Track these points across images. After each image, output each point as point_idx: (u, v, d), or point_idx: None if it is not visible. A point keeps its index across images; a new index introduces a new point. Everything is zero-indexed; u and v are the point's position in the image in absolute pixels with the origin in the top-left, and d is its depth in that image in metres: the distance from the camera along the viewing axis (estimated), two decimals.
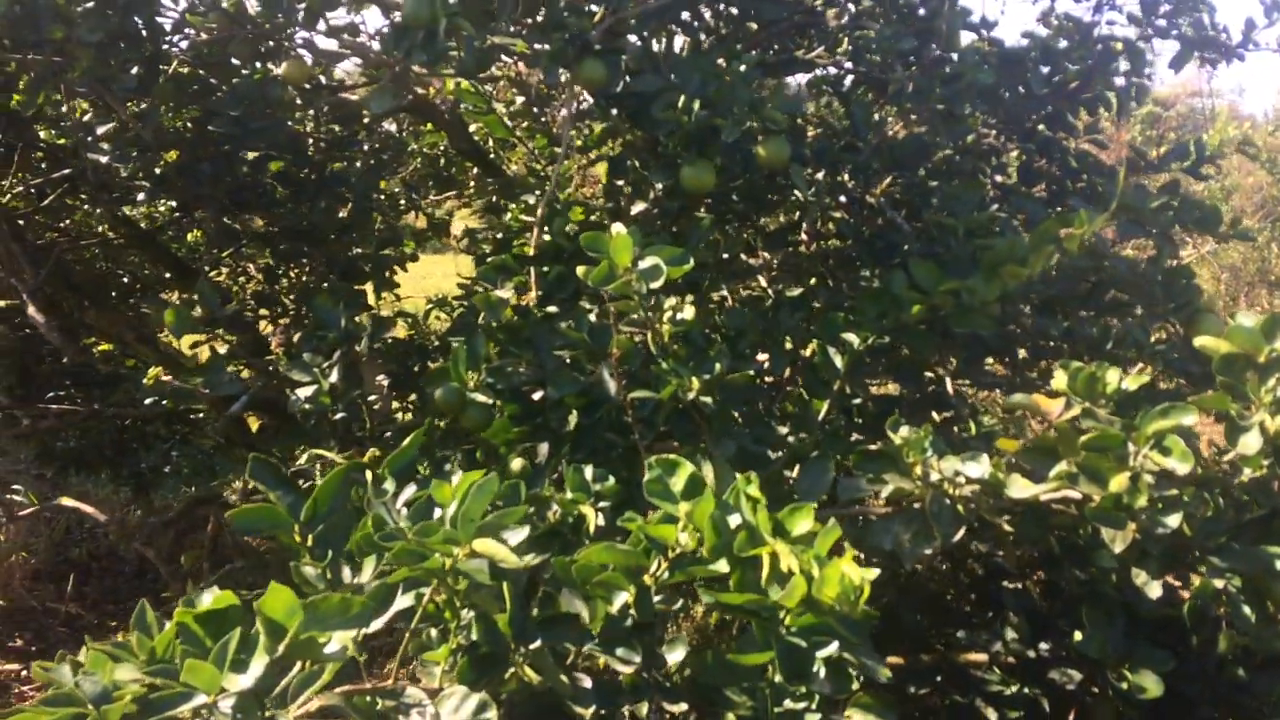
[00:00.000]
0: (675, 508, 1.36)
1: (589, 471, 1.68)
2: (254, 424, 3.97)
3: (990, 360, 2.74)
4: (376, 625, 1.27)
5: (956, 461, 1.66)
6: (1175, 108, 14.79)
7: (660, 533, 1.36)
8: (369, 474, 1.39)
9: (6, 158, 3.62)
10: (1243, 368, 1.58)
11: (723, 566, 1.29)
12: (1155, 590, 1.72)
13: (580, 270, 1.71)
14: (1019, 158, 3.35)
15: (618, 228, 1.70)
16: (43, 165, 3.86)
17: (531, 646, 1.31)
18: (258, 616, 0.98)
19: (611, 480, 1.67)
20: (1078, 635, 1.98)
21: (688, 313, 1.76)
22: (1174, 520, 1.56)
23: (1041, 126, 3.20)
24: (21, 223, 3.64)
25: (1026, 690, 2.37)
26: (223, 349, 2.82)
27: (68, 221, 4.43)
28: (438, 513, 1.30)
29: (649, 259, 1.65)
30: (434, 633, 1.39)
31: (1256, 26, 3.44)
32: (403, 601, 1.32)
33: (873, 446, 1.75)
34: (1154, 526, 1.57)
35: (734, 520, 1.32)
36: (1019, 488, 1.69)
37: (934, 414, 2.60)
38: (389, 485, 1.41)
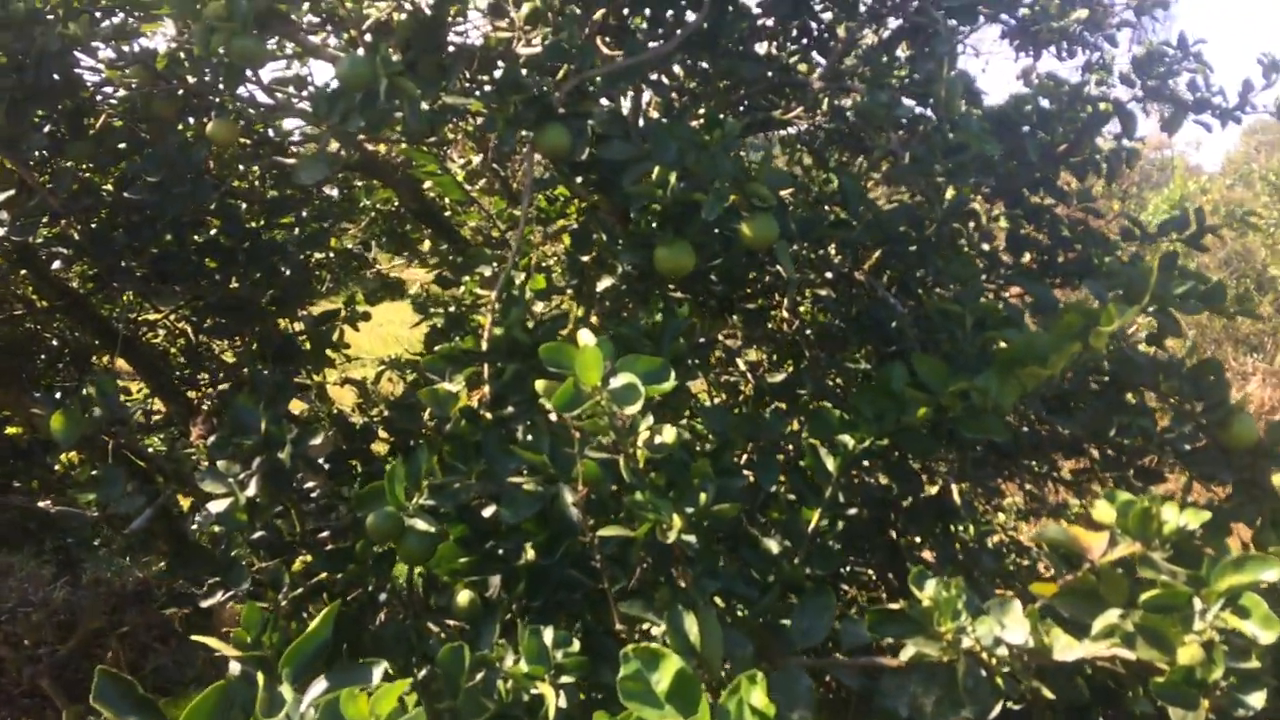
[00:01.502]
0: (659, 715, 1.06)
1: (549, 635, 1.38)
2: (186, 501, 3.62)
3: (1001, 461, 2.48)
4: None
5: (994, 624, 1.38)
6: (1140, 162, 14.86)
7: None
8: (261, 676, 1.09)
9: None
10: None
11: None
12: None
13: (539, 386, 1.42)
14: (1004, 224, 3.14)
15: (584, 336, 1.41)
16: None
17: None
18: None
19: (576, 647, 1.37)
20: None
21: (668, 435, 1.48)
22: (1257, 699, 1.29)
23: (1027, 192, 3.00)
24: None
25: None
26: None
27: None
28: None
29: (622, 376, 1.37)
30: None
31: (1254, 88, 3.27)
32: None
33: (893, 606, 1.47)
34: (1233, 706, 1.30)
35: None
36: (1064, 649, 1.41)
37: (937, 523, 2.33)
38: (286, 690, 1.10)
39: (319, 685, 1.12)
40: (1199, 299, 2.46)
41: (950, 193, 2.65)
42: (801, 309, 3.10)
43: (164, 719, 1.03)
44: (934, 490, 2.39)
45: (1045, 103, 3.09)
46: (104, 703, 1.02)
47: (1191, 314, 2.24)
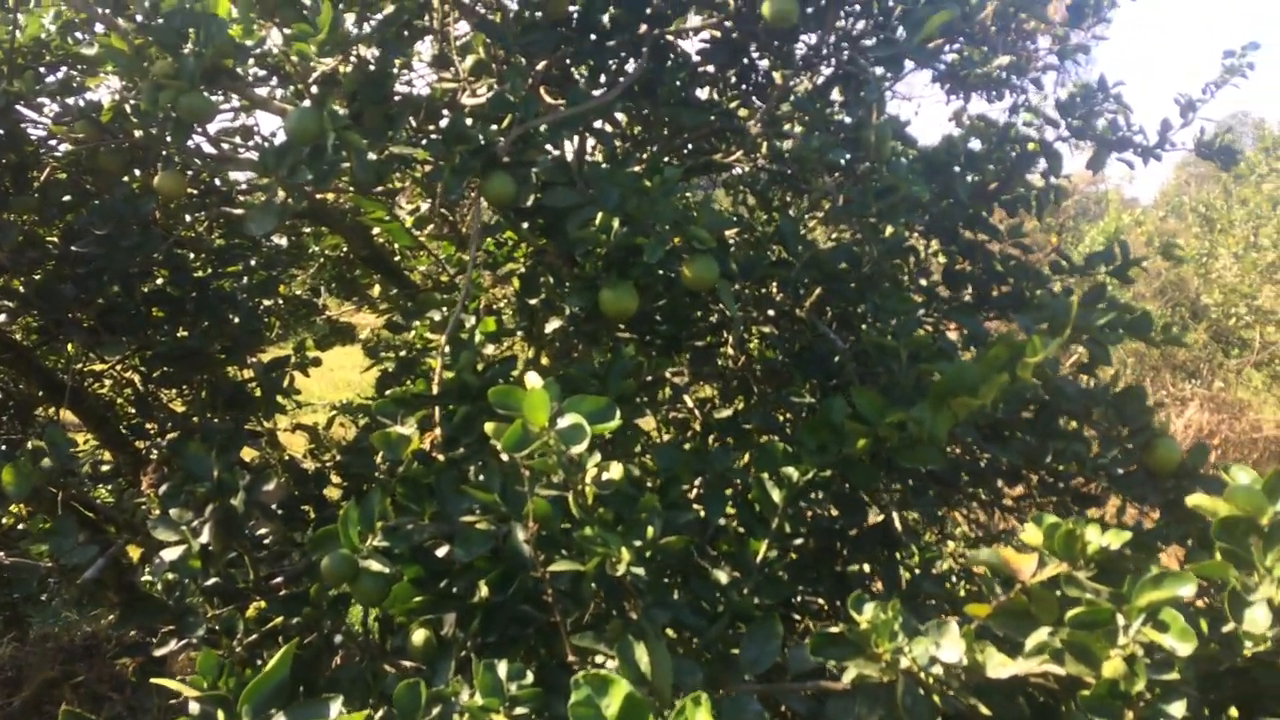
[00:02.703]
0: None
1: (503, 668, 1.41)
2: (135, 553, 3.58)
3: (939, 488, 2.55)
4: None
5: (929, 644, 1.44)
6: (1072, 196, 15.29)
7: None
8: (221, 715, 1.12)
9: None
10: (1244, 532, 1.41)
11: None
12: None
13: (489, 428, 1.47)
14: (940, 261, 3.25)
15: (531, 379, 1.46)
16: None
17: None
18: None
19: (529, 679, 1.41)
20: None
21: (614, 472, 1.52)
22: (1178, 709, 1.36)
23: (963, 228, 3.11)
24: None
25: None
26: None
27: None
28: None
29: (569, 417, 1.42)
30: None
31: (1172, 127, 3.43)
32: None
33: (834, 629, 1.52)
34: (1155, 716, 1.37)
35: None
36: (997, 666, 1.47)
37: (881, 550, 2.39)
38: None
39: None
40: (1127, 329, 2.58)
41: (889, 231, 2.75)
42: (750, 345, 3.18)
43: None
44: (879, 519, 2.45)
45: (976, 143, 3.22)
46: None
47: (1115, 343, 2.35)
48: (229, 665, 1.47)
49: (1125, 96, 3.37)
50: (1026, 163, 3.27)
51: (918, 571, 2.34)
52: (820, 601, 2.71)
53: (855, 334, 2.72)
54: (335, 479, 2.94)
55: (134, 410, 3.34)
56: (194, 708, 1.24)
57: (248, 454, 3.02)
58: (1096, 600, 1.43)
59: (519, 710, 1.39)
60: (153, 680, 1.34)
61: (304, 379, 4.56)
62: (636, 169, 2.37)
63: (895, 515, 2.38)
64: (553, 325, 2.57)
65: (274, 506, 2.33)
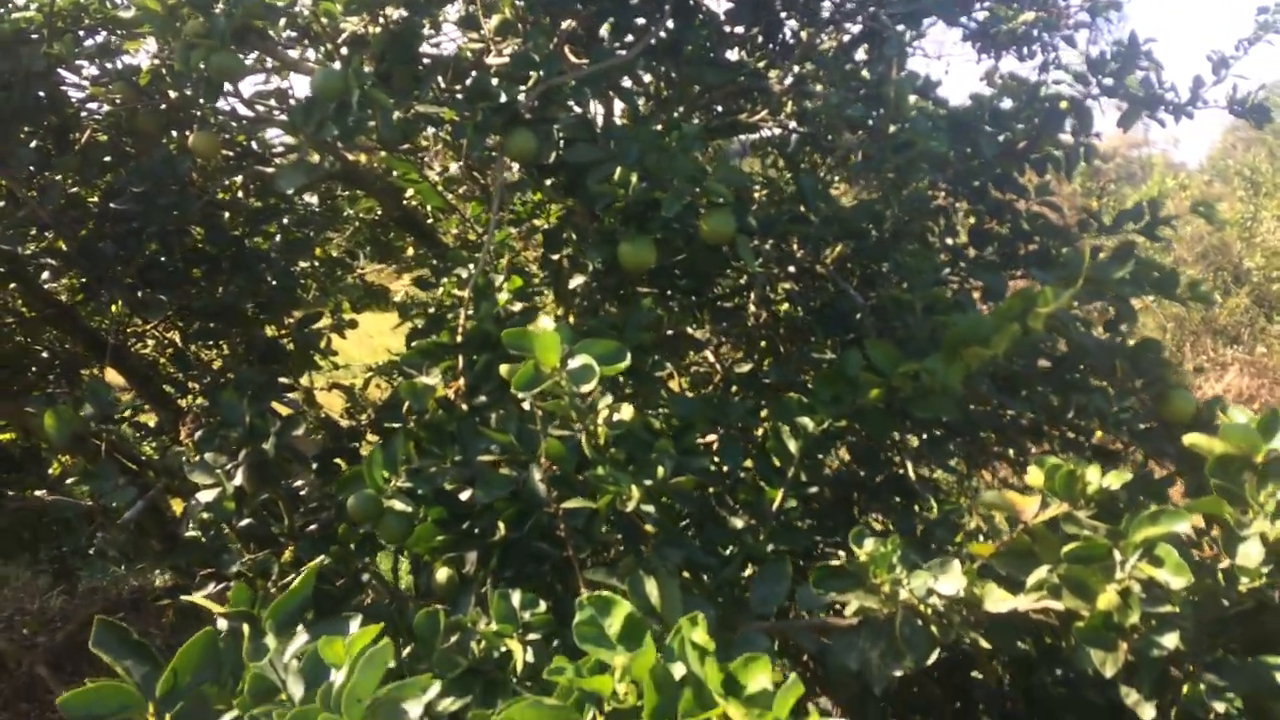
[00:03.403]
0: (612, 655, 1.17)
1: (516, 597, 1.48)
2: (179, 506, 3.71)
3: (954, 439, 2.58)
4: None
5: (928, 577, 1.49)
6: (1114, 160, 15.05)
7: (594, 684, 1.17)
8: (247, 626, 1.19)
9: None
10: (1239, 469, 1.43)
11: None
12: (1148, 711, 1.55)
13: (503, 369, 1.53)
14: (967, 219, 3.26)
15: (545, 322, 1.52)
16: None
17: None
18: None
19: (542, 607, 1.47)
20: None
21: (625, 413, 1.58)
22: (1170, 640, 1.40)
23: (991, 187, 3.11)
24: None
25: None
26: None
27: None
28: (334, 677, 1.09)
29: (579, 358, 1.47)
30: None
31: (1205, 84, 3.39)
32: None
33: (835, 562, 1.57)
34: (1148, 647, 1.40)
35: (678, 670, 1.13)
36: (996, 600, 1.52)
37: (895, 498, 2.43)
38: (270, 640, 1.20)
39: (301, 638, 1.23)
40: (1152, 286, 2.58)
41: (912, 188, 2.77)
42: (779, 306, 3.21)
43: (157, 661, 1.13)
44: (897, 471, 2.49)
45: (1007, 102, 3.20)
46: (103, 648, 1.12)
47: (1133, 296, 2.36)
48: (262, 599, 1.55)
49: (1157, 54, 3.34)
50: (1057, 121, 3.25)
51: (932, 520, 2.37)
52: (840, 553, 2.76)
53: (877, 292, 2.75)
54: (370, 438, 3.02)
55: (175, 369, 3.44)
56: (221, 624, 1.32)
57: (285, 413, 3.12)
58: (1093, 536, 1.47)
59: (531, 636, 1.46)
60: (183, 598, 1.41)
61: (342, 343, 4.66)
62: (659, 127, 2.41)
63: (910, 466, 2.42)
64: (576, 281, 2.62)
65: (311, 463, 2.42)
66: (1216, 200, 12.60)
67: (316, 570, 1.29)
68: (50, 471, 3.47)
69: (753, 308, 3.08)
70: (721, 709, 1.07)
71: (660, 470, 1.63)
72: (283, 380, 2.91)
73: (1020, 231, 3.16)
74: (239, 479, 2.00)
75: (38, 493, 2.09)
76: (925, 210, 3.06)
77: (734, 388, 2.74)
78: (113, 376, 4.02)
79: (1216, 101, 3.39)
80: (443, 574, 1.92)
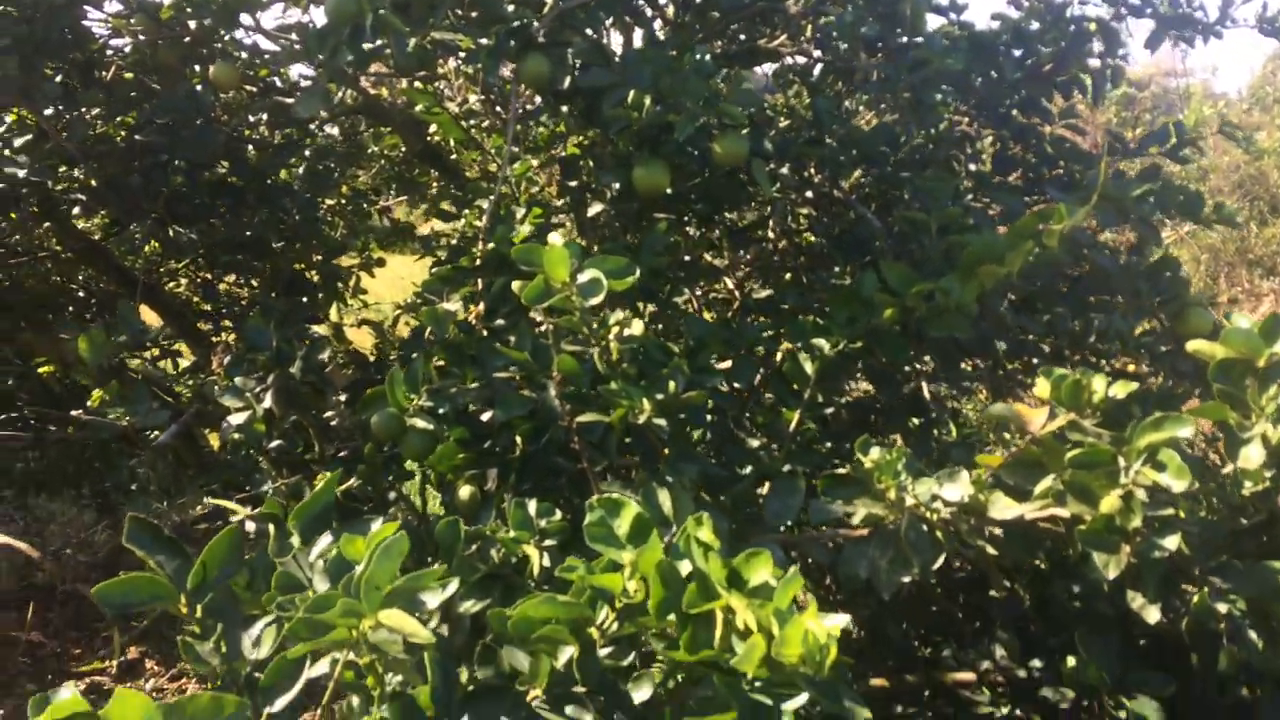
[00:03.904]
0: (620, 554, 1.21)
1: (533, 506, 1.53)
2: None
3: (970, 360, 2.60)
4: (282, 703, 1.12)
5: (933, 484, 1.52)
6: (1150, 88, 14.71)
7: (605, 582, 1.22)
8: (273, 527, 1.25)
9: None
10: (1241, 373, 1.45)
11: (673, 621, 1.15)
12: (1153, 614, 1.58)
13: (515, 286, 1.56)
14: (993, 145, 3.23)
15: (554, 238, 1.54)
16: None
17: None
18: None
19: (558, 515, 1.52)
20: (1070, 661, 1.84)
21: (635, 328, 1.61)
22: (1171, 542, 1.42)
23: (1015, 112, 3.07)
24: None
25: (1018, 711, 2.24)
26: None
27: (15, 238, 4.26)
28: (356, 571, 1.15)
29: (588, 272, 1.50)
30: (355, 701, 1.24)
31: (1234, 3, 3.32)
32: (317, 668, 1.17)
33: (842, 470, 1.61)
34: (1150, 549, 1.43)
35: (685, 568, 1.18)
36: (1002, 508, 1.55)
37: (911, 419, 2.46)
38: (295, 539, 1.26)
39: (325, 539, 1.28)
40: (1177, 209, 2.57)
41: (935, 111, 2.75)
42: (802, 234, 3.21)
43: (187, 555, 1.19)
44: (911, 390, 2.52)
45: (1035, 25, 3.15)
46: (135, 543, 1.18)
47: (1147, 217, 2.34)
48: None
49: None
50: (1083, 43, 3.19)
51: (948, 441, 2.40)
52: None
53: (894, 215, 2.74)
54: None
55: (205, 300, 3.51)
56: (250, 526, 1.38)
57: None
58: (1097, 443, 1.49)
59: (547, 542, 1.51)
60: (211, 500, 1.48)
61: (371, 283, 4.72)
62: (673, 52, 2.40)
63: (927, 388, 2.44)
64: (594, 209, 2.64)
65: (338, 386, 2.48)
66: (1255, 129, 12.34)
67: (338, 477, 1.34)
68: (89, 404, 3.57)
69: (772, 235, 3.09)
70: (724, 600, 1.11)
71: (672, 385, 1.67)
72: (309, 312, 2.97)
73: (1045, 156, 3.14)
74: (268, 401, 2.06)
75: (74, 412, 2.16)
76: (946, 135, 3.04)
77: (751, 314, 2.76)
78: (149, 315, 4.11)
79: (1246, 21, 3.33)
80: (465, 491, 1.98)
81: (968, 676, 2.34)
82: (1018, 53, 3.01)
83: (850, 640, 2.56)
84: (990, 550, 1.57)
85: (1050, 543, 1.99)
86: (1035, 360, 2.81)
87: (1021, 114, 3.09)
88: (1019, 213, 2.77)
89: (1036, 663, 2.21)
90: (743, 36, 3.34)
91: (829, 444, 2.48)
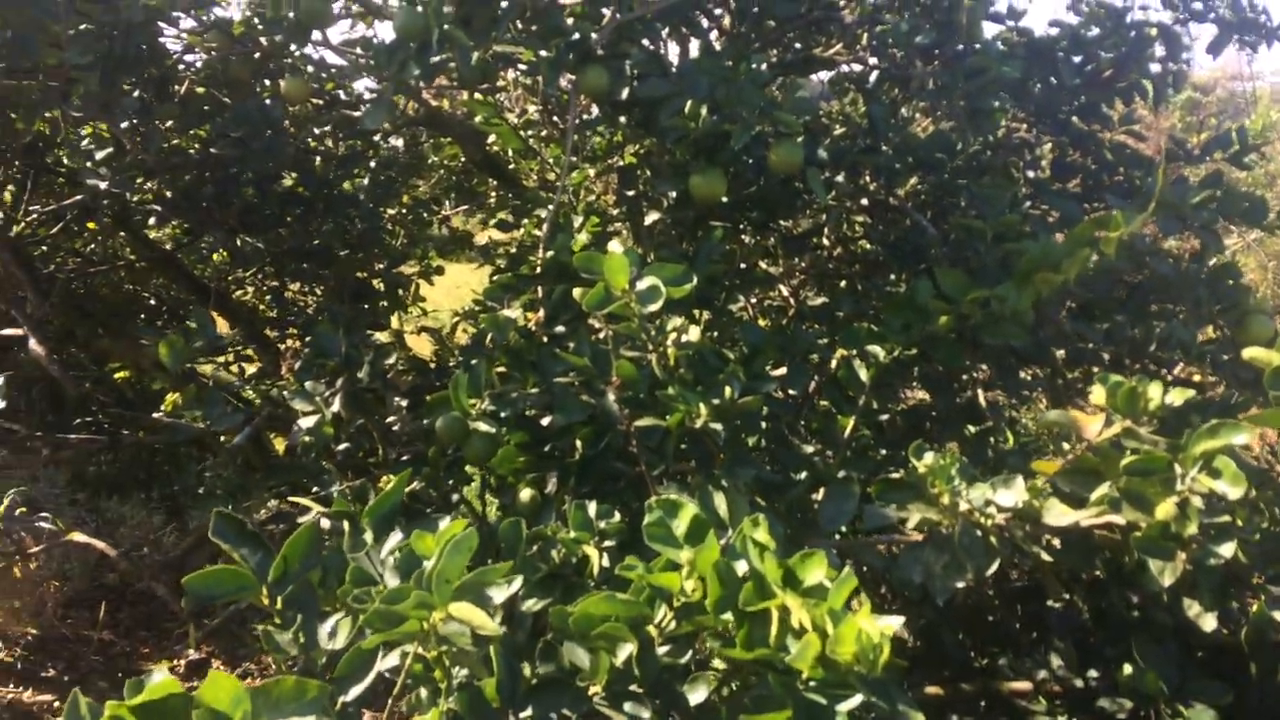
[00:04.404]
0: (678, 553, 1.25)
1: (592, 508, 1.57)
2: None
3: (1028, 368, 2.59)
4: (356, 692, 1.18)
5: (987, 489, 1.54)
6: (1215, 92, 14.41)
7: (663, 580, 1.26)
8: (347, 524, 1.30)
9: (21, 184, 3.59)
10: None
11: (729, 619, 1.18)
12: (1209, 623, 1.58)
13: (576, 292, 1.61)
14: (1052, 152, 3.21)
15: (614, 246, 1.59)
16: (64, 189, 3.85)
17: (523, 715, 1.20)
18: (195, 711, 0.88)
19: (617, 517, 1.56)
20: (1127, 669, 1.84)
21: (692, 334, 1.65)
22: (1227, 549, 1.42)
23: (1075, 119, 3.06)
24: (34, 249, 3.61)
25: None
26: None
27: (93, 247, 4.42)
28: (426, 566, 1.20)
29: (646, 279, 1.54)
30: (424, 693, 1.29)
31: None
32: (388, 660, 1.23)
33: (895, 475, 1.63)
34: (1205, 556, 1.43)
35: (741, 568, 1.21)
36: (1057, 514, 1.56)
37: (967, 427, 2.46)
38: (368, 536, 1.31)
39: (395, 536, 1.34)
40: (1241, 216, 2.54)
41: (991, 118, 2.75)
42: (858, 242, 3.22)
43: (269, 550, 1.25)
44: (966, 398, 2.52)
45: (1095, 31, 3.13)
46: (220, 537, 1.24)
47: (1209, 224, 2.33)
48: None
49: None
50: (1143, 48, 3.17)
51: (1007, 449, 2.40)
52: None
53: (950, 221, 2.75)
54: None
55: (273, 311, 3.62)
56: (324, 524, 1.44)
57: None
58: (1153, 450, 1.49)
59: (607, 543, 1.55)
60: (290, 500, 1.54)
61: (430, 291, 4.81)
62: (729, 62, 2.44)
63: (982, 394, 2.44)
64: (651, 218, 2.68)
65: (401, 390, 2.55)
66: None
67: (408, 476, 1.40)
68: (164, 408, 3.70)
69: (827, 242, 3.10)
70: (779, 599, 1.14)
71: (728, 390, 1.70)
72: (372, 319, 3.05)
73: (1104, 163, 3.12)
74: (336, 405, 2.13)
75: (155, 415, 2.25)
76: (1004, 142, 3.04)
77: (806, 321, 2.79)
78: (219, 323, 4.23)
79: None
80: (525, 494, 2.03)
81: (1024, 686, 2.33)
82: (1077, 59, 2.99)
83: (905, 649, 2.57)
84: (1046, 558, 1.58)
85: (1108, 552, 1.99)
86: (1095, 369, 2.80)
87: (1081, 120, 3.07)
88: (1077, 219, 2.76)
89: (1093, 673, 2.21)
90: (798, 45, 3.37)
91: (884, 451, 2.50)
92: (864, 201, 2.83)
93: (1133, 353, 2.62)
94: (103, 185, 2.64)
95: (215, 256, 4.40)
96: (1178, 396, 1.56)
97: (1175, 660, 1.83)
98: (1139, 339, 2.56)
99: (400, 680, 1.20)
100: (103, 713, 0.85)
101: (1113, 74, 3.14)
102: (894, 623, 1.13)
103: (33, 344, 2.68)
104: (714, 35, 3.08)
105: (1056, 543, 1.77)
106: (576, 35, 2.19)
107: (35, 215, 3.75)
